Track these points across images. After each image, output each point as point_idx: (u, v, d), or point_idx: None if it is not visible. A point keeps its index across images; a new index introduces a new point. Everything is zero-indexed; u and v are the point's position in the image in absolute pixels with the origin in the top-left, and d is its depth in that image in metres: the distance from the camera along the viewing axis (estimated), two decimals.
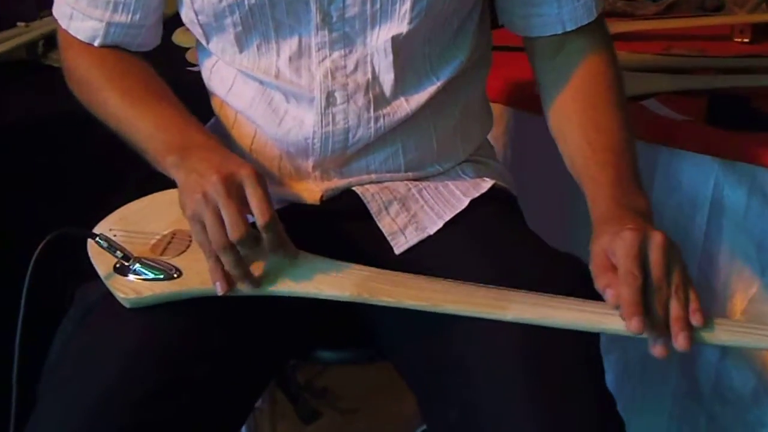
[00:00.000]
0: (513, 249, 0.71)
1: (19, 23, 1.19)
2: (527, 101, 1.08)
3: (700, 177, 0.97)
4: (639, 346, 1.13)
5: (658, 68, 1.13)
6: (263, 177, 0.62)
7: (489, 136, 0.85)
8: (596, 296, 0.60)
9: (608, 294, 0.57)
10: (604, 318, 0.59)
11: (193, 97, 0.81)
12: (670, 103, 1.03)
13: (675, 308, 0.56)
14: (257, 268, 0.64)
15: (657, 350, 0.56)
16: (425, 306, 0.62)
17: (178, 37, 1.19)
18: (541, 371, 0.60)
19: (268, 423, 1.08)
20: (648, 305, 0.56)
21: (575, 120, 0.72)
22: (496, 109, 1.09)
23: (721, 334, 0.57)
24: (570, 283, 0.63)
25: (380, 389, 1.33)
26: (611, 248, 0.58)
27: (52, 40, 1.12)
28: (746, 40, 1.28)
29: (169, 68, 1.08)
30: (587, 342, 0.64)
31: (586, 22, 0.73)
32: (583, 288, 0.62)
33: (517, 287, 0.61)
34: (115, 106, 0.71)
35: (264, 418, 1.06)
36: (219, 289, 0.63)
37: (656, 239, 0.57)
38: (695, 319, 0.56)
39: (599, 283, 0.58)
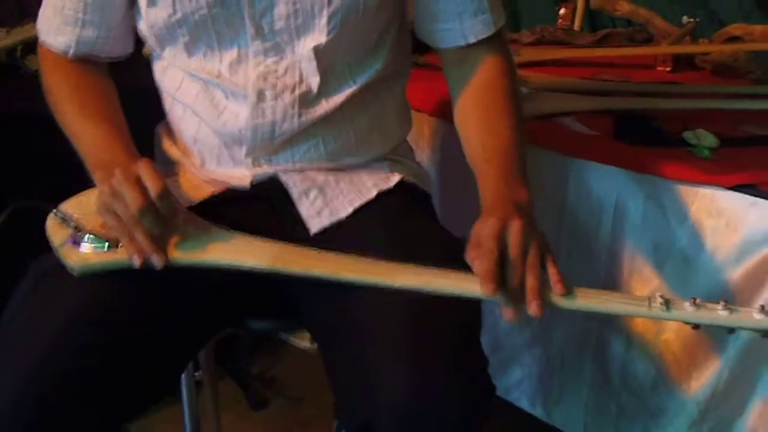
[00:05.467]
0: (414, 234, 0.82)
1: None
2: (449, 112, 1.20)
3: (606, 185, 1.08)
4: (559, 342, 1.23)
5: (581, 90, 1.25)
6: (155, 166, 0.74)
7: (414, 140, 0.95)
8: None
9: (474, 265, 0.69)
10: (475, 285, 0.69)
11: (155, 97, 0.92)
12: (583, 120, 1.15)
13: (529, 280, 0.68)
14: (185, 243, 0.75)
15: (507, 313, 0.68)
16: (328, 274, 0.72)
17: (147, 49, 1.30)
18: (419, 334, 0.70)
19: (213, 412, 1.16)
20: (506, 278, 0.68)
21: (473, 124, 0.85)
22: (424, 118, 1.21)
23: (578, 300, 0.68)
24: (463, 264, 0.73)
25: (326, 380, 1.42)
26: (480, 232, 0.71)
27: (30, 45, 1.23)
28: (668, 69, 1.42)
29: (138, 75, 1.19)
30: (465, 311, 0.74)
31: (485, 36, 0.85)
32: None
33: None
34: (69, 119, 0.84)
35: (208, 408, 1.14)
36: (135, 262, 0.74)
37: (514, 226, 0.70)
38: (557, 288, 0.68)
39: (467, 257, 0.70)
